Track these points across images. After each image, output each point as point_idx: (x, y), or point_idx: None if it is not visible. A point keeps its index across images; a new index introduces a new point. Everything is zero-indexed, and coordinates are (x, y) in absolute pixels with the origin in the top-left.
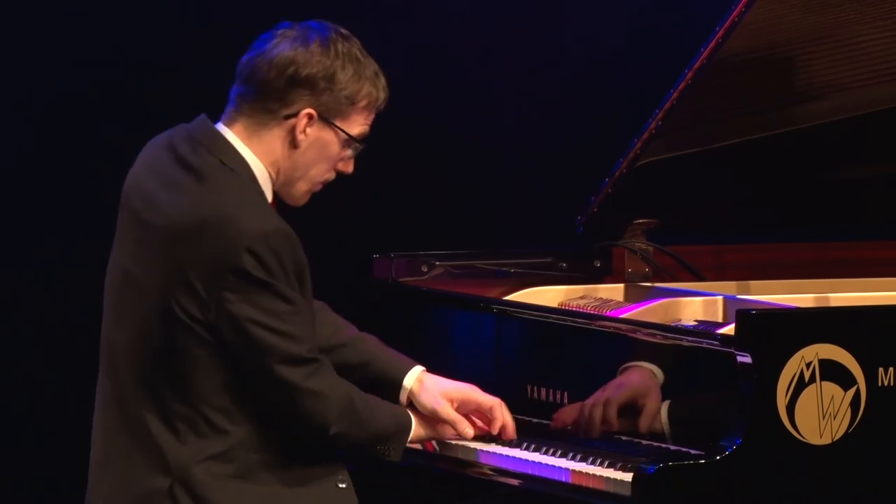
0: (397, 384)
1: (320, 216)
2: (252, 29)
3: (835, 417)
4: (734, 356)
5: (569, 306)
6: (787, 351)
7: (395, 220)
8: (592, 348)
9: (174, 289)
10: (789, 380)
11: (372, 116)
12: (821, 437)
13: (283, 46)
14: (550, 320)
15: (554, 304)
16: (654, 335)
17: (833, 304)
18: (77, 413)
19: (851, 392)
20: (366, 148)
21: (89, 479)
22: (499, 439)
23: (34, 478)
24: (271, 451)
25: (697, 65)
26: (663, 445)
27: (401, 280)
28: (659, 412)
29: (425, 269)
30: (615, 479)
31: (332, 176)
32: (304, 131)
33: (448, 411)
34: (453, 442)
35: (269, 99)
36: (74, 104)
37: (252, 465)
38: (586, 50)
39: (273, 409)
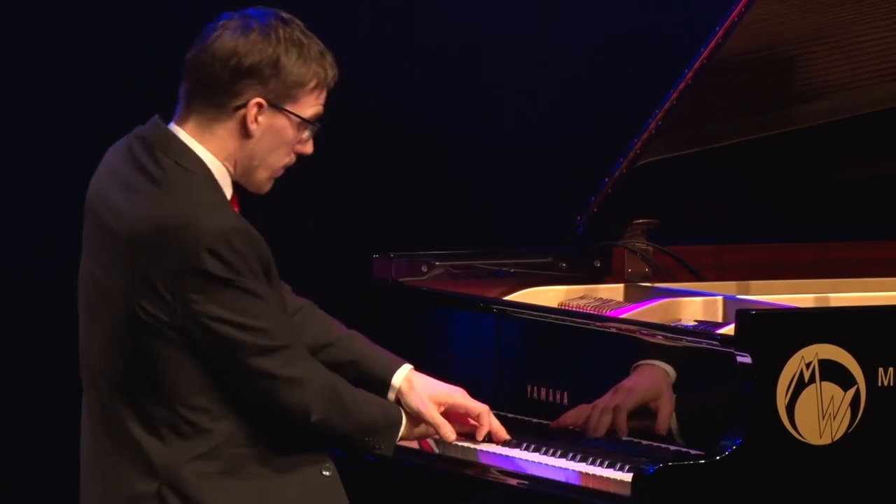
0: (386, 383)
1: (320, 216)
2: None
3: (835, 417)
4: (734, 356)
5: (569, 306)
6: (787, 351)
7: (395, 220)
8: (592, 348)
9: (138, 294)
10: (789, 380)
11: (324, 95)
12: (820, 437)
13: (224, 38)
14: (550, 320)
15: (554, 304)
16: (654, 335)
17: (833, 304)
18: (77, 413)
19: (851, 392)
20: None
21: (80, 488)
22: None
23: (34, 478)
24: (256, 445)
25: (697, 65)
26: (663, 445)
27: (401, 280)
28: (671, 415)
29: (425, 269)
30: (615, 479)
31: (292, 160)
32: (256, 120)
33: (433, 414)
34: (452, 441)
35: (217, 93)
36: (74, 104)
37: (238, 460)
38: (586, 50)
39: (253, 403)
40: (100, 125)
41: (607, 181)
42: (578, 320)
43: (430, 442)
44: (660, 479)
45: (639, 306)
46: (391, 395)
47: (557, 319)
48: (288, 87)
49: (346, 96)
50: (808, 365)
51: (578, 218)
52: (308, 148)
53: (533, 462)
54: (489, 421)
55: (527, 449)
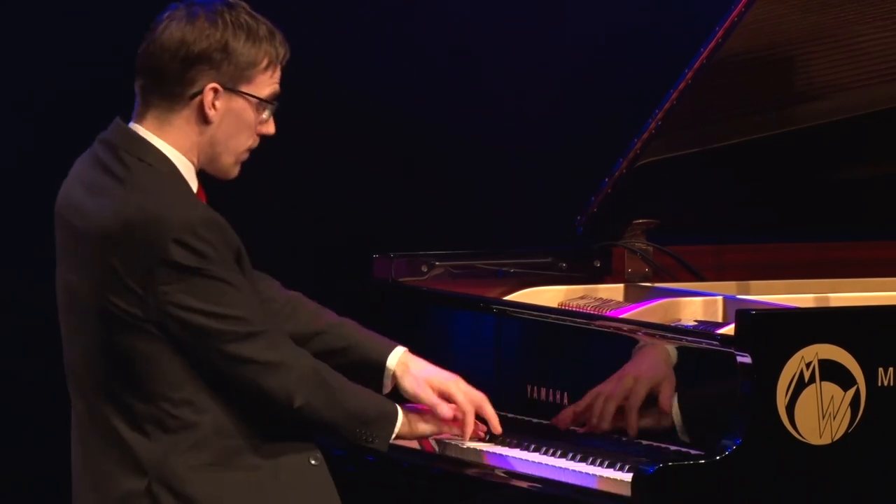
0: (381, 366)
1: (320, 216)
2: None
3: (834, 417)
4: (734, 356)
5: (569, 306)
6: (787, 351)
7: (395, 220)
8: (592, 348)
9: (110, 291)
10: (789, 380)
11: (278, 74)
12: (820, 437)
13: (171, 28)
14: (550, 320)
15: (554, 304)
16: (654, 335)
17: (833, 304)
18: None
19: (851, 392)
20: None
21: (73, 492)
22: (497, 438)
23: (34, 478)
24: (243, 436)
25: (697, 65)
26: (663, 445)
27: (401, 280)
28: (673, 396)
29: (425, 269)
30: (615, 479)
31: (255, 142)
32: (213, 106)
33: (428, 394)
34: (453, 442)
35: (171, 83)
36: (74, 104)
37: (226, 451)
38: (586, 50)
39: (237, 392)
40: (100, 125)
41: (607, 181)
42: (578, 320)
43: (431, 441)
44: (660, 479)
45: (639, 306)
46: (387, 380)
47: (557, 319)
48: (241, 68)
49: (347, 96)
50: (808, 365)
51: (578, 218)
52: (269, 128)
53: (533, 462)
54: (487, 410)
55: (527, 449)
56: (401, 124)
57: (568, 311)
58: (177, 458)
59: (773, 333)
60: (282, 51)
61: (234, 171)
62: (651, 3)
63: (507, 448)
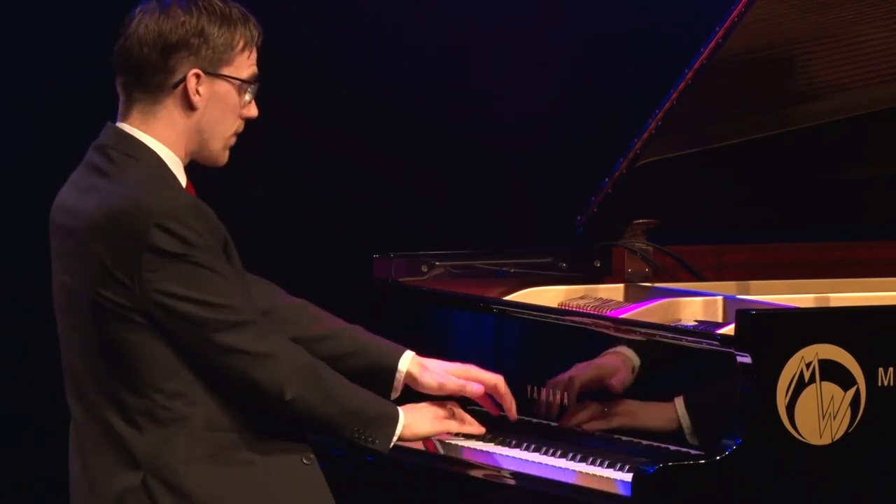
0: (392, 369)
1: (320, 216)
2: None
3: (835, 417)
4: (734, 356)
5: (569, 306)
6: (787, 351)
7: (395, 220)
8: (592, 348)
9: (99, 283)
10: (789, 380)
11: (255, 55)
12: (821, 437)
13: (146, 21)
14: (550, 320)
15: (554, 304)
16: (653, 335)
17: (833, 304)
18: None
19: (851, 392)
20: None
21: (70, 486)
22: (496, 438)
23: (34, 478)
24: (237, 430)
25: (697, 65)
26: (663, 445)
27: (401, 280)
28: (622, 392)
29: (425, 269)
30: (615, 480)
31: (240, 127)
32: (197, 92)
33: (454, 381)
34: (454, 442)
35: (152, 74)
36: (74, 104)
37: (220, 445)
38: (586, 50)
39: (228, 386)
40: (100, 125)
41: (607, 181)
42: (578, 320)
43: (434, 441)
44: (660, 479)
45: (639, 306)
46: (398, 382)
47: (557, 319)
48: (219, 52)
49: (347, 96)
50: (808, 365)
51: (578, 218)
52: (253, 111)
53: (533, 462)
54: (507, 390)
55: (527, 449)
56: (401, 124)
57: (568, 311)
58: (170, 451)
59: (773, 333)
60: (256, 32)
61: (224, 157)
62: (651, 3)
63: (507, 448)
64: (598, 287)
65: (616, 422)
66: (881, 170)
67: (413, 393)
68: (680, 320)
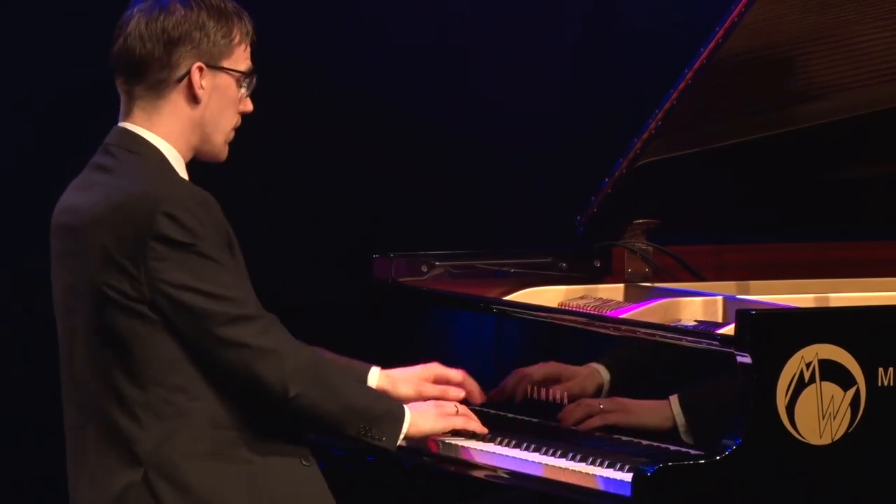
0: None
1: (321, 216)
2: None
3: (834, 417)
4: (734, 356)
5: (569, 306)
6: (787, 351)
7: (395, 220)
8: (592, 348)
9: (104, 274)
10: (789, 380)
11: (249, 49)
12: (821, 437)
13: (146, 19)
14: (550, 320)
15: (554, 304)
16: (653, 335)
17: (833, 304)
18: None
19: (851, 392)
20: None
21: (68, 483)
22: (496, 438)
23: (34, 478)
24: (238, 428)
25: (697, 65)
26: (663, 445)
27: (401, 280)
28: (582, 394)
29: (425, 269)
30: (615, 480)
31: (238, 121)
32: (201, 85)
33: (431, 387)
34: (454, 442)
35: (156, 70)
36: (74, 104)
37: (222, 442)
38: (586, 50)
39: (229, 380)
40: (100, 125)
41: (607, 181)
42: (578, 320)
43: (434, 441)
44: (660, 479)
45: (639, 306)
46: None
47: (557, 319)
48: (219, 44)
49: (347, 96)
50: (808, 365)
51: (578, 218)
52: (248, 106)
53: (533, 462)
54: (471, 381)
55: (527, 449)
56: (401, 124)
57: (568, 311)
58: (172, 446)
59: (773, 333)
60: (250, 27)
61: (225, 152)
62: (651, 3)
63: (507, 448)
64: (598, 287)
65: (612, 419)
66: (881, 170)
67: None
68: (680, 320)
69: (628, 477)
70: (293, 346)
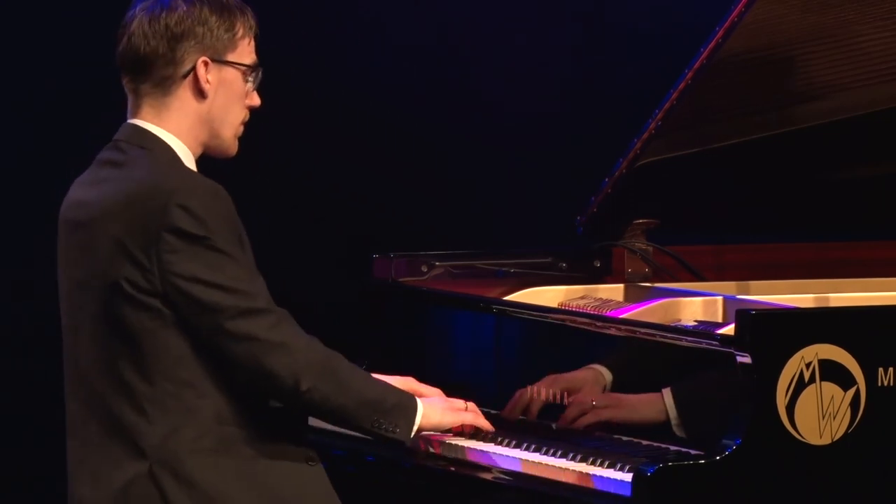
0: None
1: (321, 216)
2: None
3: (834, 417)
4: (734, 356)
5: (569, 306)
6: (787, 351)
7: (395, 220)
8: (592, 348)
9: (117, 266)
10: (789, 380)
11: (253, 43)
12: (821, 437)
13: (149, 16)
14: (550, 320)
15: (554, 304)
16: (654, 335)
17: (833, 304)
18: None
19: (851, 392)
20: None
21: (69, 480)
22: (496, 438)
23: (34, 478)
24: (245, 425)
25: (697, 65)
26: (663, 445)
27: (401, 280)
28: (590, 402)
29: (425, 269)
30: (615, 480)
31: (247, 116)
32: (207, 79)
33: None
34: (454, 442)
35: (162, 66)
36: (74, 104)
37: (228, 439)
38: (586, 50)
39: (240, 375)
40: (100, 125)
41: (607, 181)
42: (578, 320)
43: (435, 441)
44: (660, 479)
45: (639, 306)
46: None
47: (557, 319)
48: (222, 38)
49: (347, 96)
50: (808, 365)
51: (578, 218)
52: (255, 100)
53: (533, 462)
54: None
55: (527, 449)
56: (401, 124)
57: (568, 311)
58: (177, 441)
59: (773, 333)
60: (253, 21)
61: (235, 147)
62: (651, 3)
63: (507, 448)
64: (598, 287)
65: (605, 414)
66: (881, 170)
67: None
68: (680, 320)
69: (628, 477)
70: (305, 341)
